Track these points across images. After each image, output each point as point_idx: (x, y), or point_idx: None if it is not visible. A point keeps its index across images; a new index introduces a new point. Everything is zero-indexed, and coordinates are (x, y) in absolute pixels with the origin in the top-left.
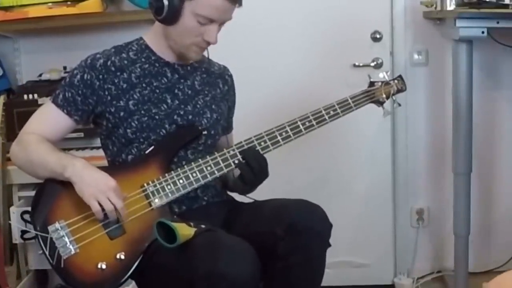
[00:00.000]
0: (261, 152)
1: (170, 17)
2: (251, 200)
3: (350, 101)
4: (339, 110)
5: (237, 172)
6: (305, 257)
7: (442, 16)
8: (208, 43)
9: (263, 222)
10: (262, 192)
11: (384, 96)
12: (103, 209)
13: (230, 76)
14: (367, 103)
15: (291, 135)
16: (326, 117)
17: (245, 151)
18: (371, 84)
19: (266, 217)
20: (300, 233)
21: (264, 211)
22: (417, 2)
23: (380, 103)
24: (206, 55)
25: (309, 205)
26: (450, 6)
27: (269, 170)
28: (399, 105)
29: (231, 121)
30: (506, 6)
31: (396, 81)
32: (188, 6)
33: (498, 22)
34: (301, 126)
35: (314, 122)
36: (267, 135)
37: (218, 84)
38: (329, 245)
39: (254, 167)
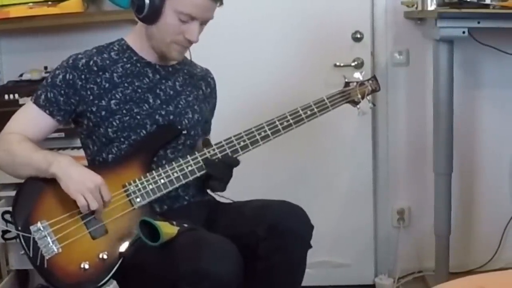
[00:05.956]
0: (241, 152)
1: (151, 15)
2: (230, 201)
3: (326, 101)
4: (316, 110)
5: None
6: (286, 258)
7: (423, 16)
8: (190, 42)
9: (245, 223)
10: (242, 191)
11: (359, 96)
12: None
13: (213, 78)
14: (343, 103)
15: (270, 134)
16: (304, 116)
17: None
18: (347, 84)
19: (247, 217)
20: (281, 234)
21: (246, 212)
22: (398, 2)
23: (355, 103)
24: (189, 57)
25: (291, 206)
26: (431, 6)
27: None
28: (374, 105)
29: (210, 123)
30: (487, 6)
31: (370, 81)
32: (169, 3)
33: (479, 22)
34: (279, 125)
35: (292, 122)
36: (246, 134)
37: (201, 86)
38: (310, 246)
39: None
